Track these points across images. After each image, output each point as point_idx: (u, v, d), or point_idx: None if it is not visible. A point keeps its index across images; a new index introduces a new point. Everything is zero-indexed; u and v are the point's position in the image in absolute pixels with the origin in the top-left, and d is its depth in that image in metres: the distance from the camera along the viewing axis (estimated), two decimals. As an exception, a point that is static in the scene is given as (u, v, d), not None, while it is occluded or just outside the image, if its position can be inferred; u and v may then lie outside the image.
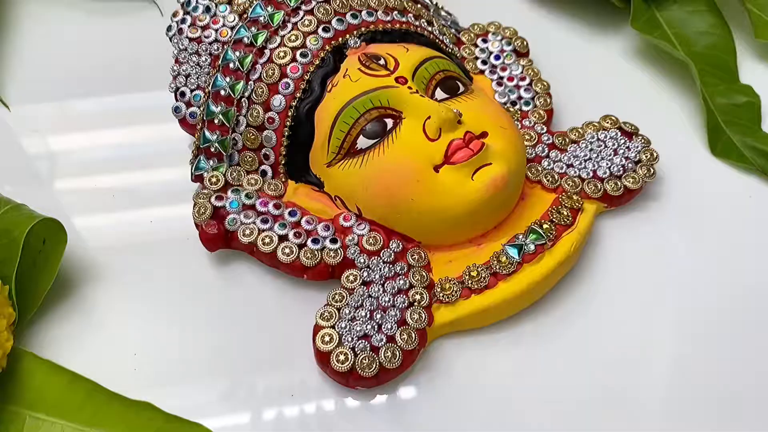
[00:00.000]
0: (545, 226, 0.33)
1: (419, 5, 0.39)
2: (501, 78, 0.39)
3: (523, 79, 0.39)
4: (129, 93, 0.42)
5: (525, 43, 0.41)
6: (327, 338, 0.30)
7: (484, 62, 0.40)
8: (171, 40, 0.37)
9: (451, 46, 0.39)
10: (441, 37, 0.38)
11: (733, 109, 0.41)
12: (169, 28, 0.37)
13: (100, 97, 0.42)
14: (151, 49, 0.41)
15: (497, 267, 0.32)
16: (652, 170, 0.36)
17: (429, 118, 0.32)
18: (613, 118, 0.38)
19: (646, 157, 0.36)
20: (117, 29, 0.45)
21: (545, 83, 0.39)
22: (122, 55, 0.43)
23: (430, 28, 0.38)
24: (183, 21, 0.37)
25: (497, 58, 0.40)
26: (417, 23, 0.37)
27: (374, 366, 0.30)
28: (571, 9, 0.45)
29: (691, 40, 0.43)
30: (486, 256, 0.33)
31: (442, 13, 0.42)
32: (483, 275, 0.32)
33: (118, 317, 0.33)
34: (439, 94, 0.34)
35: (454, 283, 0.32)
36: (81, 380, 0.30)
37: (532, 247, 0.32)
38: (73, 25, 0.45)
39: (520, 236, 0.33)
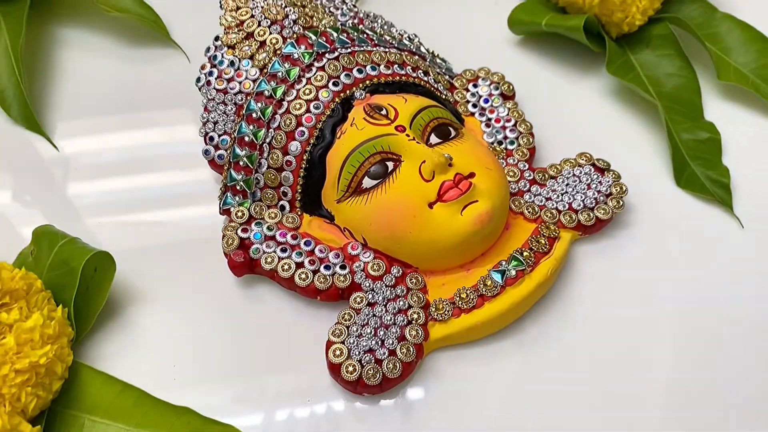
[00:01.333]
0: (525, 253, 0.38)
1: (417, 57, 0.44)
2: (489, 119, 0.44)
3: (508, 120, 0.44)
4: (156, 127, 0.48)
5: (511, 87, 0.46)
6: (338, 352, 0.35)
7: (474, 105, 0.45)
8: (200, 90, 0.43)
9: (444, 92, 0.44)
10: (436, 85, 0.44)
11: (697, 145, 0.45)
12: (198, 80, 0.43)
13: (131, 132, 0.47)
14: (178, 89, 0.47)
15: (483, 290, 0.37)
16: (621, 202, 0.41)
17: (424, 162, 0.37)
18: (588, 155, 0.43)
19: (616, 190, 0.41)
20: (148, 72, 0.50)
21: (528, 124, 0.44)
22: (152, 95, 0.49)
23: (426, 78, 0.43)
24: (210, 73, 0.42)
25: (486, 101, 0.45)
26: (414, 74, 0.42)
27: (378, 376, 0.35)
28: (554, 52, 0.50)
29: (661, 81, 0.48)
30: (474, 279, 0.38)
31: (438, 60, 0.47)
32: (471, 297, 0.37)
33: (159, 333, 0.38)
34: (434, 139, 0.39)
35: (447, 304, 0.37)
36: (130, 389, 0.35)
37: (513, 272, 0.37)
38: (109, 69, 0.50)
39: (503, 263, 0.38)
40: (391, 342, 0.36)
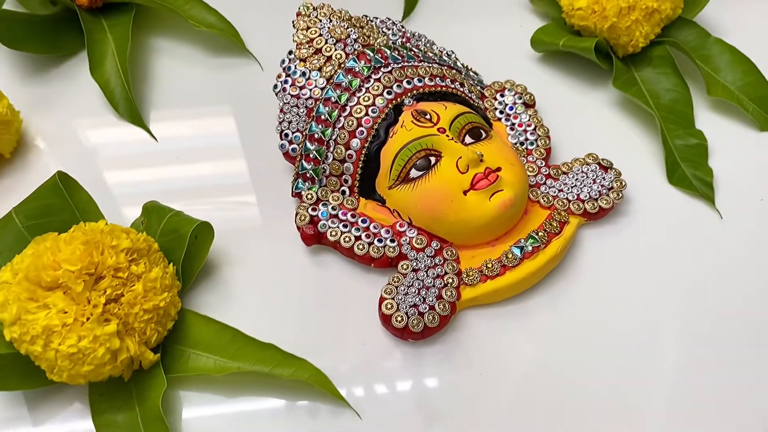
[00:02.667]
0: (540, 233, 0.47)
1: (454, 71, 0.53)
2: (513, 124, 0.53)
3: (529, 125, 0.53)
4: (233, 123, 0.57)
5: (532, 97, 0.55)
6: (389, 306, 0.45)
7: (501, 112, 0.54)
8: (276, 95, 0.52)
9: (477, 100, 0.53)
10: (470, 95, 0.53)
11: (687, 149, 0.54)
12: (275, 86, 0.52)
13: (213, 127, 0.57)
14: (253, 92, 0.56)
15: (505, 261, 0.46)
16: (620, 194, 0.50)
17: (460, 158, 0.46)
18: (594, 155, 0.52)
19: (617, 185, 0.50)
20: (227, 78, 0.59)
21: (546, 128, 0.53)
22: (231, 97, 0.58)
23: (462, 89, 0.52)
24: (285, 81, 0.51)
25: (511, 108, 0.54)
26: (453, 86, 0.51)
27: (420, 325, 0.44)
28: (569, 68, 0.59)
29: (659, 95, 0.56)
30: (498, 253, 0.47)
31: (471, 73, 0.56)
32: (495, 267, 0.46)
33: (246, 288, 0.47)
34: (468, 139, 0.48)
35: (475, 272, 0.46)
36: (226, 329, 0.44)
37: (530, 248, 0.46)
38: (195, 74, 0.59)
39: (522, 240, 0.47)
40: (431, 299, 0.45)
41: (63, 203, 0.46)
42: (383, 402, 0.43)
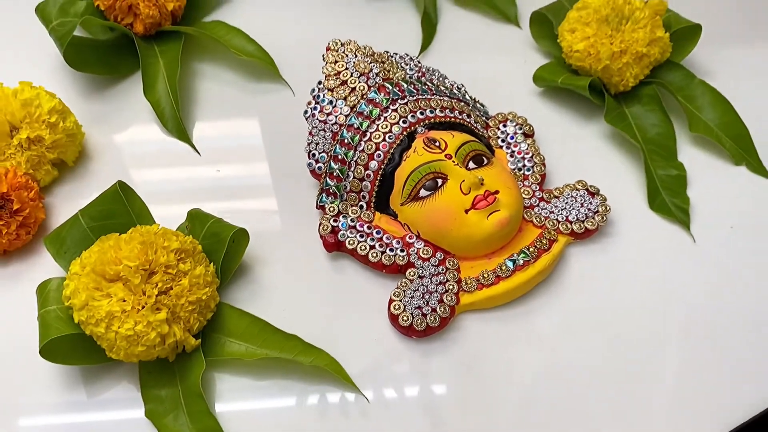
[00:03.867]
0: (531, 249, 0.54)
1: (463, 103, 0.60)
2: (513, 152, 0.60)
3: (527, 153, 0.60)
4: (268, 143, 0.64)
5: (531, 128, 0.62)
6: (397, 307, 0.52)
7: (502, 140, 0.61)
8: (306, 119, 0.59)
9: (481, 130, 0.60)
10: (475, 125, 0.60)
11: (668, 179, 0.60)
12: (305, 112, 0.59)
13: (250, 143, 0.64)
14: (286, 115, 0.64)
15: (499, 272, 0.53)
16: (605, 218, 0.57)
17: (464, 181, 0.53)
18: (583, 182, 0.58)
19: (602, 209, 0.57)
20: (263, 102, 0.67)
21: (542, 156, 0.60)
22: (266, 120, 0.65)
23: (468, 120, 0.59)
24: (314, 108, 0.59)
25: (512, 138, 0.61)
26: (460, 117, 0.59)
27: (423, 325, 0.51)
28: (566, 103, 0.66)
29: (646, 129, 0.63)
30: (494, 265, 0.53)
31: (478, 105, 0.63)
32: (490, 277, 0.53)
33: (275, 286, 0.54)
34: (471, 164, 0.55)
35: (473, 281, 0.53)
36: (256, 320, 0.51)
37: (521, 262, 0.53)
38: (235, 97, 0.67)
39: (515, 255, 0.54)
40: (433, 303, 0.52)
41: (122, 208, 0.54)
42: (388, 386, 0.50)
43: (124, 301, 0.47)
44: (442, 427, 0.49)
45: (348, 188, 0.57)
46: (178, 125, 0.63)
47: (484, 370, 0.51)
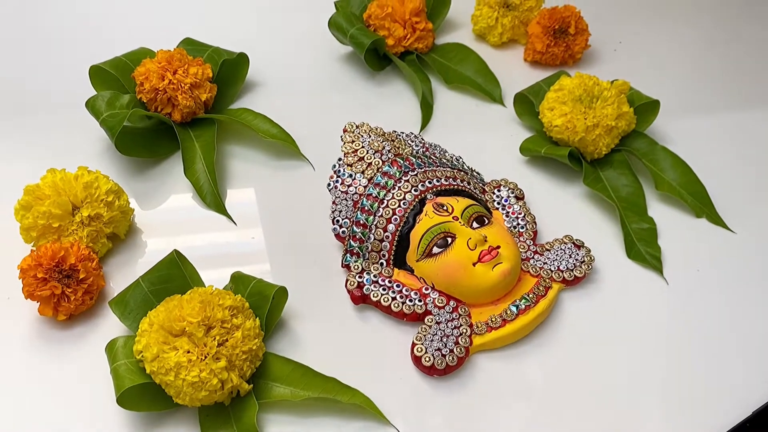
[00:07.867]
0: (530, 295, 0.63)
1: (462, 172, 0.70)
2: (507, 213, 0.70)
3: (520, 214, 0.70)
4: (294, 214, 0.73)
5: (521, 191, 0.72)
6: (419, 349, 0.60)
7: (498, 203, 0.71)
8: (329, 191, 0.69)
9: (479, 195, 0.70)
10: (475, 191, 0.70)
11: (641, 231, 0.70)
12: (328, 184, 0.69)
13: (278, 216, 0.73)
14: (307, 188, 0.73)
15: (505, 316, 0.62)
16: (590, 266, 0.66)
17: (470, 239, 0.62)
18: (570, 236, 0.68)
19: (588, 259, 0.66)
20: (286, 176, 0.76)
21: (532, 215, 0.70)
22: (291, 192, 0.74)
23: (469, 186, 0.69)
24: (336, 181, 0.68)
25: (506, 201, 0.71)
26: (462, 184, 0.68)
27: (443, 364, 0.59)
28: (549, 169, 0.76)
29: (619, 189, 0.73)
30: (500, 310, 0.62)
31: (475, 173, 0.73)
32: (497, 320, 0.62)
33: (311, 336, 0.62)
34: (475, 224, 0.64)
35: (483, 324, 0.62)
36: (299, 366, 0.58)
37: (523, 306, 0.62)
38: (261, 174, 0.76)
39: (517, 300, 0.62)
40: (450, 345, 0.60)
41: (178, 272, 0.62)
42: (416, 418, 0.58)
43: (189, 352, 0.55)
44: (464, 451, 0.56)
45: (369, 248, 0.66)
46: (215, 199, 0.72)
47: (493, 397, 0.59)
